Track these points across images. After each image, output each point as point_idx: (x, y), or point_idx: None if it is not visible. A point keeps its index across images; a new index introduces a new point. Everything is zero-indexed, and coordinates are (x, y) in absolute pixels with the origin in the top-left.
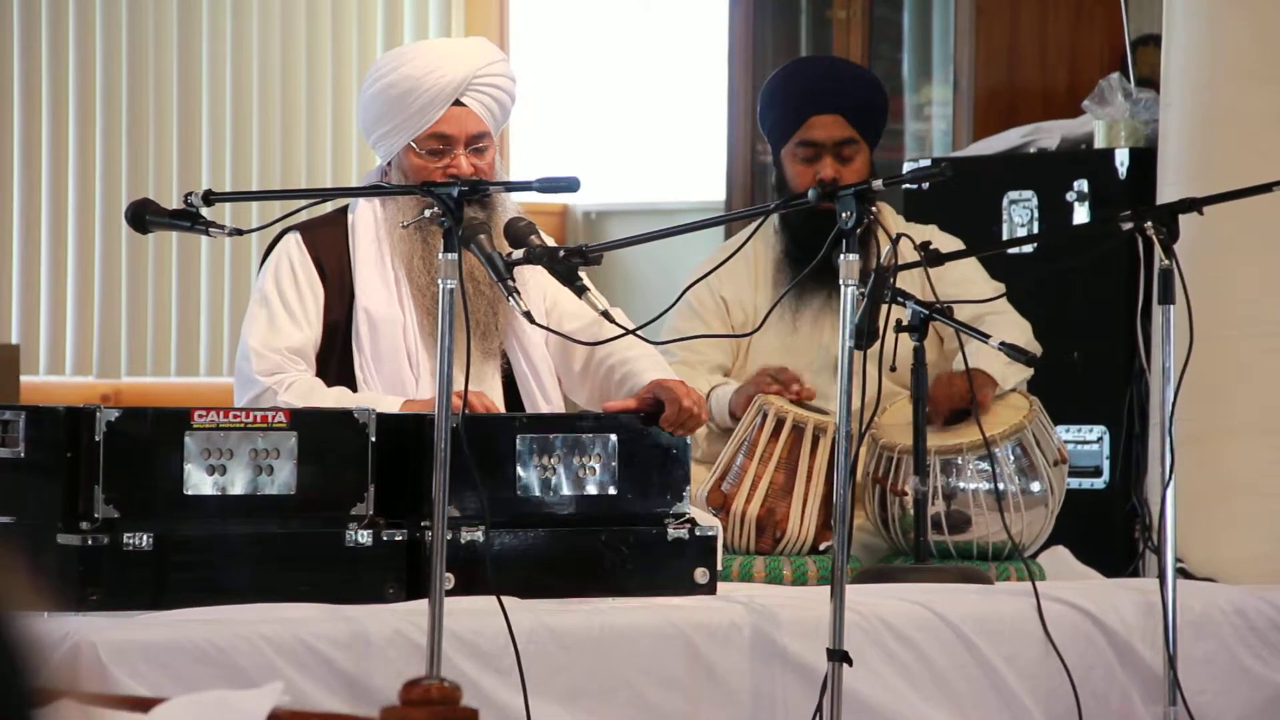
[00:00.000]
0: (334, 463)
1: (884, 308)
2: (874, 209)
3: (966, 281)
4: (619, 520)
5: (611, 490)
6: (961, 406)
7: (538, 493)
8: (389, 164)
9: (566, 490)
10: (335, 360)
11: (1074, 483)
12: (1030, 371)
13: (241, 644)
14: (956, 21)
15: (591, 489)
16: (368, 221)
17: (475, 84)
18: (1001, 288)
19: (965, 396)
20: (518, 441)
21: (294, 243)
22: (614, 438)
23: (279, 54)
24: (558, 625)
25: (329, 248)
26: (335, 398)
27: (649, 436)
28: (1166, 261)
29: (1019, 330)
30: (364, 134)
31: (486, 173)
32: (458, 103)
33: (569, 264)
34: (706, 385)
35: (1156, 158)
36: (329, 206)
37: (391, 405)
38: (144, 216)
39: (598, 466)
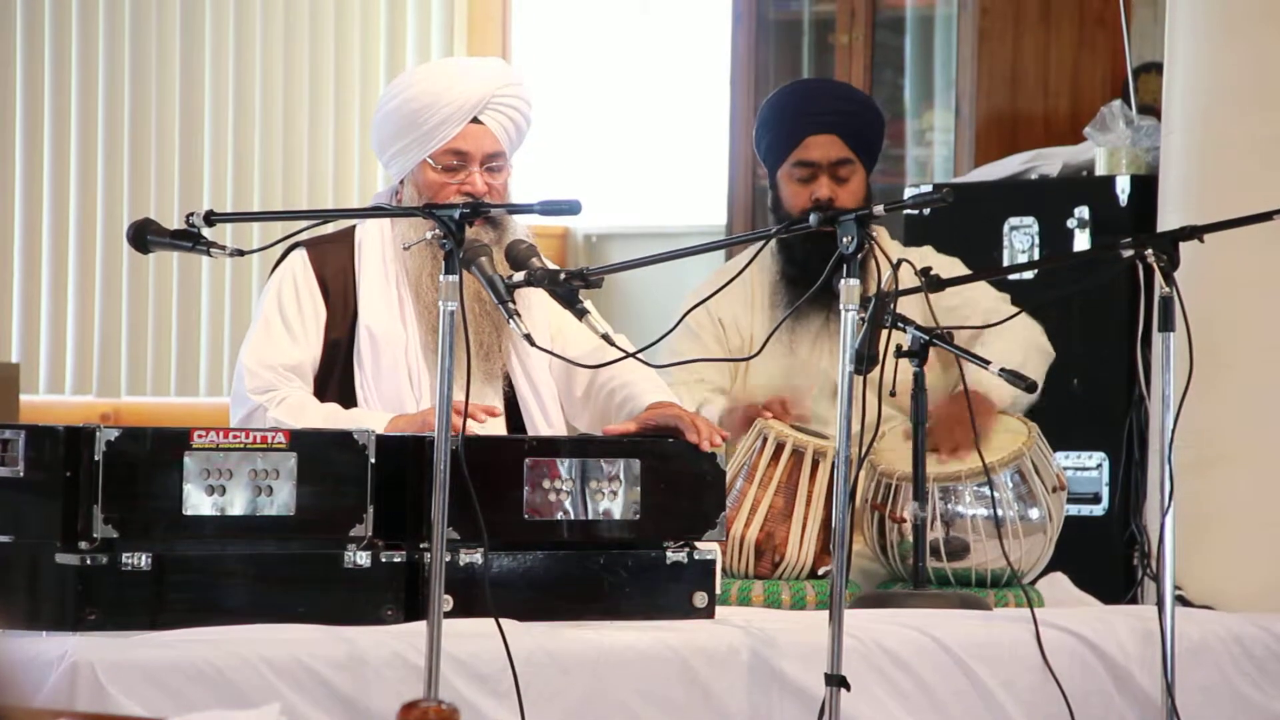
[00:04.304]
0: (333, 484)
1: (884, 333)
2: (873, 234)
3: (970, 291)
4: (637, 545)
5: (637, 516)
6: (962, 442)
7: (548, 517)
8: (401, 182)
9: (581, 515)
10: (337, 378)
11: (1073, 509)
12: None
13: (239, 664)
14: (959, 47)
15: (615, 515)
16: (374, 239)
17: (494, 103)
18: (1006, 299)
19: (964, 434)
20: (526, 464)
21: (299, 260)
22: (637, 462)
23: (281, 74)
24: (556, 648)
25: (334, 265)
26: (324, 414)
27: (681, 461)
28: (1167, 289)
29: (1029, 333)
30: (377, 152)
31: (501, 193)
32: (476, 120)
33: (570, 287)
34: (692, 403)
35: (1158, 185)
36: (333, 225)
37: (380, 422)
38: (145, 236)
39: (616, 491)
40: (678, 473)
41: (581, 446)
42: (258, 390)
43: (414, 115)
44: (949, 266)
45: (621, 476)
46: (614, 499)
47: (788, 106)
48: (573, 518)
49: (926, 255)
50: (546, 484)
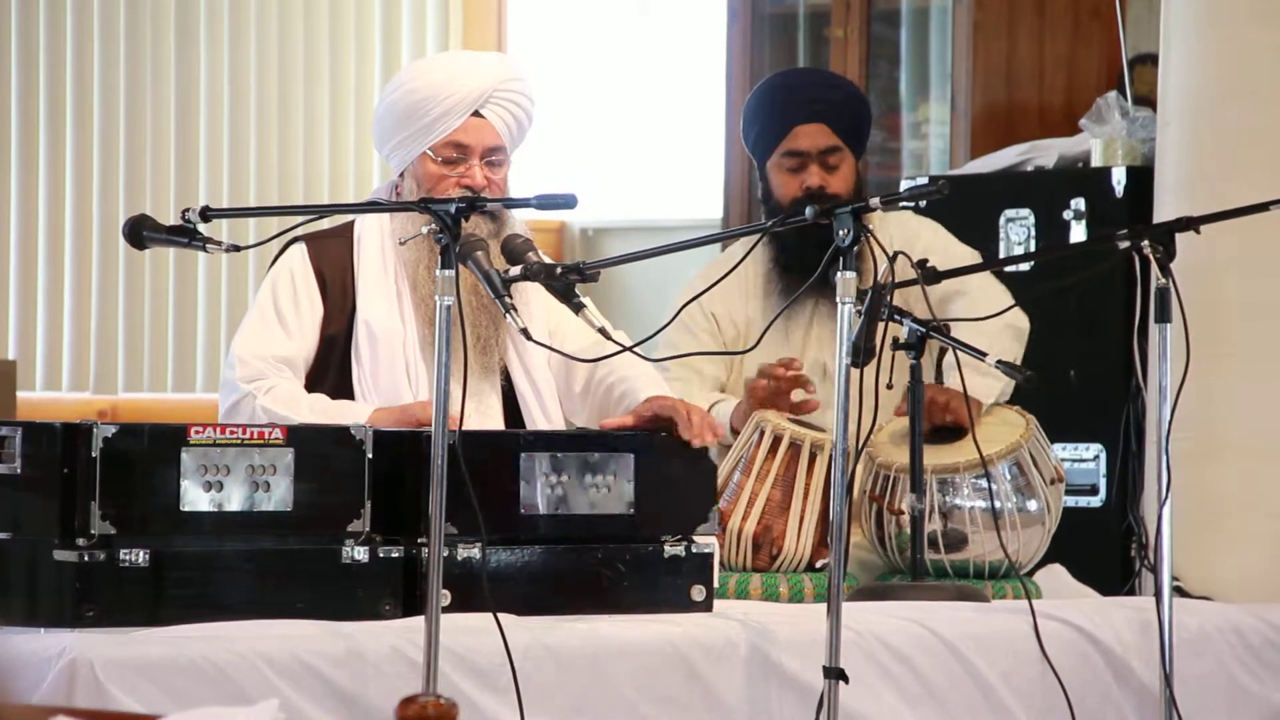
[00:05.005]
0: (331, 479)
1: (880, 325)
2: (869, 227)
3: (975, 278)
4: (633, 539)
5: (631, 510)
6: (942, 424)
7: (541, 510)
8: (401, 175)
9: (577, 509)
10: (334, 372)
11: (1070, 501)
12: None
13: (238, 661)
14: (954, 40)
15: (610, 509)
16: (374, 234)
17: (496, 97)
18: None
19: (942, 415)
20: (522, 459)
21: (298, 254)
22: (631, 457)
23: (276, 70)
24: (554, 643)
25: (333, 260)
26: (311, 404)
27: (673, 455)
28: (1163, 280)
29: (1000, 302)
30: (378, 144)
31: (500, 187)
32: (478, 114)
33: (566, 281)
34: (705, 403)
35: (1154, 176)
36: (330, 221)
37: (363, 414)
38: (141, 232)
39: (611, 485)
40: (670, 468)
41: (576, 441)
42: (247, 379)
43: (416, 107)
44: (931, 233)
45: (616, 471)
46: (608, 494)
47: (774, 97)
48: (568, 512)
49: (906, 220)
50: (542, 478)
